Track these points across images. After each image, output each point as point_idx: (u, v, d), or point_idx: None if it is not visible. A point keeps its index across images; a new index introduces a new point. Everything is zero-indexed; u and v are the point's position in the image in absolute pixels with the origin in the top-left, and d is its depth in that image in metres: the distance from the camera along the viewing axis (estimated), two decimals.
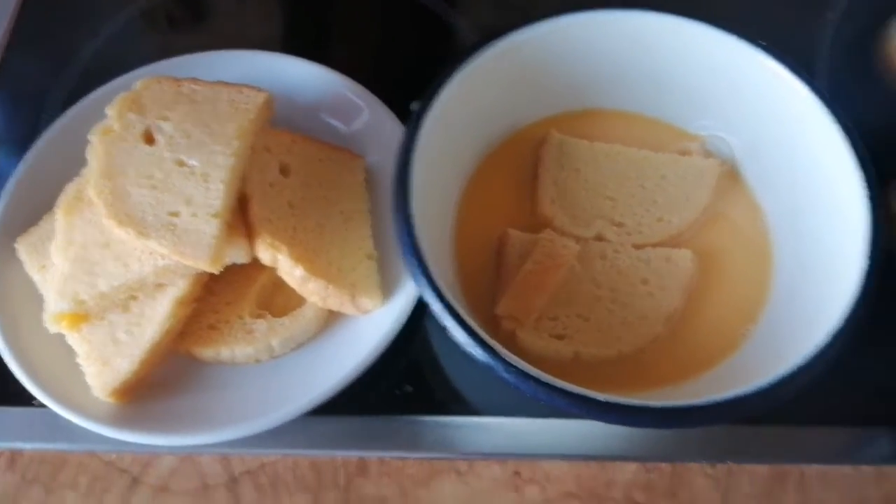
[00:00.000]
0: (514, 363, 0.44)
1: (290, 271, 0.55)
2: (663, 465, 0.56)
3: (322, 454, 0.57)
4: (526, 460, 0.56)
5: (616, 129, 0.63)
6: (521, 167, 0.61)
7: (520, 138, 0.63)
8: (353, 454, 0.57)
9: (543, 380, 0.44)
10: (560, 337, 0.54)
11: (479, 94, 0.57)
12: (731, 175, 0.61)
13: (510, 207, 0.60)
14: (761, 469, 0.56)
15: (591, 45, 0.59)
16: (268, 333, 0.56)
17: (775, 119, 0.56)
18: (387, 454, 0.57)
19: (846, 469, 0.56)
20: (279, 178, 0.60)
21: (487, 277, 0.57)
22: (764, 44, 0.55)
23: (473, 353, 0.45)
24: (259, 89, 0.60)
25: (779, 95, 0.55)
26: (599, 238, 0.58)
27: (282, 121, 0.63)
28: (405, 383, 0.59)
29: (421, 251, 0.48)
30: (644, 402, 0.44)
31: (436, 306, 0.47)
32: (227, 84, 0.60)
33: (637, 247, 0.57)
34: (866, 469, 0.56)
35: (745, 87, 0.57)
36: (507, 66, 0.58)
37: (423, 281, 0.47)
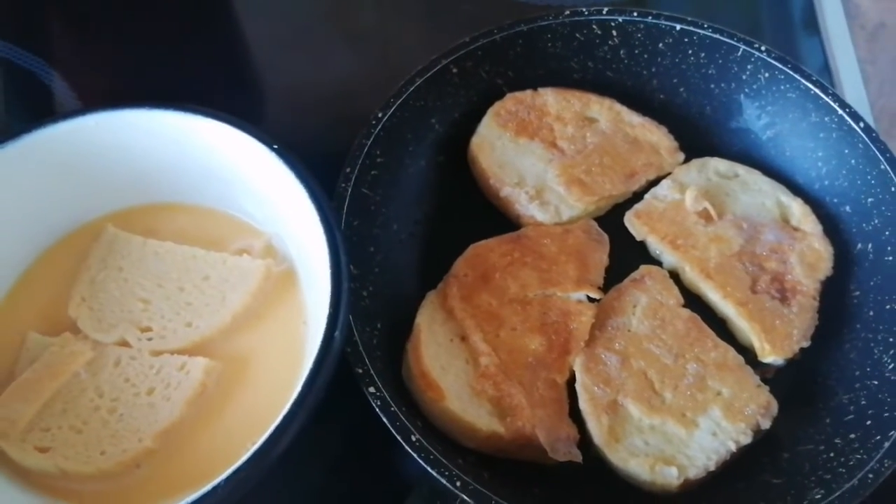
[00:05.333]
0: None
1: None
2: None
3: None
4: None
5: (180, 223, 0.61)
6: (77, 263, 0.59)
7: (84, 232, 0.61)
8: None
9: None
10: (44, 450, 0.51)
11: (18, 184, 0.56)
12: (288, 276, 0.59)
13: (45, 305, 0.58)
14: None
15: (137, 140, 0.58)
16: None
17: (295, 218, 0.55)
18: None
19: None
20: None
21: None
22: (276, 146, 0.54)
23: None
24: None
25: (289, 194, 0.54)
26: (122, 343, 0.56)
27: None
28: None
29: None
30: None
31: None
32: None
33: (156, 353, 0.55)
34: None
35: (267, 185, 0.56)
36: (49, 157, 0.56)
37: None
